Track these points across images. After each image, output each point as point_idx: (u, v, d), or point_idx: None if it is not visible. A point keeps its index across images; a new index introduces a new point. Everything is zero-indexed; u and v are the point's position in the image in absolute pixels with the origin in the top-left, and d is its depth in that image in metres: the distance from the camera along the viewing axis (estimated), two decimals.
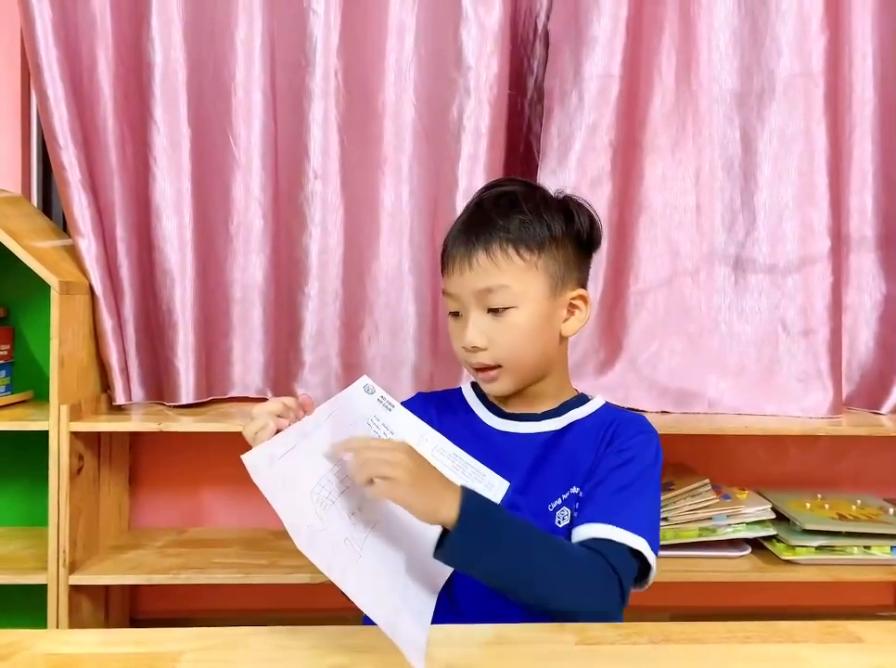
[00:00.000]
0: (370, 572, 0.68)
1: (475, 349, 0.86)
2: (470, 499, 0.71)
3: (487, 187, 0.95)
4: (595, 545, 0.79)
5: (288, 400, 0.77)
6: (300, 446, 0.73)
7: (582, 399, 0.95)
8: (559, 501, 0.87)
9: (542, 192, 0.92)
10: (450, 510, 0.69)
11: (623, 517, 0.81)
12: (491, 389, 0.91)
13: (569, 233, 0.89)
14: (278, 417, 0.75)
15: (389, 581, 0.70)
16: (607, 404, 0.95)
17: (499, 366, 0.87)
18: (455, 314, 0.90)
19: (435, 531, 0.70)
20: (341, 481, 0.74)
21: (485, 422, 0.93)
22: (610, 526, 0.80)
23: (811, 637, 0.71)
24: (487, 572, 0.73)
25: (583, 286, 0.92)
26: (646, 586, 0.84)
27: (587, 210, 0.92)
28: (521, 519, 0.78)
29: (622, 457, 0.86)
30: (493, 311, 0.86)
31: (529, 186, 0.94)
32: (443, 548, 0.69)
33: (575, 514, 0.86)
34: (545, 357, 0.90)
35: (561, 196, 0.93)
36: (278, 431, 0.74)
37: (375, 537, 0.71)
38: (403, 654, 0.60)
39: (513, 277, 0.85)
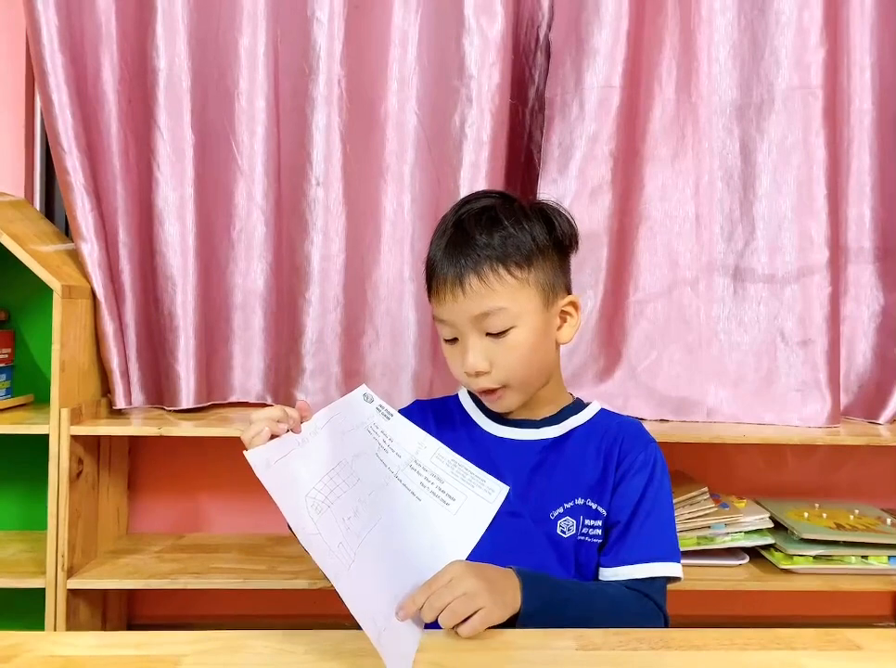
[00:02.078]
0: (362, 578, 0.68)
1: (478, 374, 0.85)
2: (529, 585, 0.74)
3: (462, 203, 0.91)
4: (639, 585, 0.84)
5: (291, 410, 0.77)
6: (295, 452, 0.74)
7: (579, 405, 0.95)
8: (561, 510, 0.88)
9: (518, 202, 0.90)
10: (516, 599, 0.73)
11: (659, 550, 0.85)
12: (497, 407, 0.90)
13: (551, 240, 0.88)
14: (277, 422, 0.75)
15: (381, 587, 0.70)
16: (603, 410, 0.96)
17: (504, 387, 0.87)
18: (451, 341, 0.88)
19: (453, 554, 0.75)
20: (338, 486, 0.74)
21: (484, 429, 0.94)
22: (650, 564, 0.84)
23: (810, 645, 0.71)
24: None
25: (570, 291, 0.92)
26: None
27: (563, 213, 0.91)
28: (572, 582, 0.83)
29: (639, 484, 0.88)
30: (492, 334, 0.85)
31: (504, 197, 0.91)
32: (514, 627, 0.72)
33: (586, 529, 0.88)
34: (546, 369, 0.91)
35: (536, 204, 0.92)
36: (273, 437, 0.74)
37: (369, 543, 0.72)
38: (385, 664, 0.61)
39: (508, 298, 0.84)
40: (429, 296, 0.90)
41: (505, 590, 0.73)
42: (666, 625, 0.84)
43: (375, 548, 0.72)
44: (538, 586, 0.76)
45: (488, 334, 0.85)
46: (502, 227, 0.85)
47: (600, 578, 0.87)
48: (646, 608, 0.83)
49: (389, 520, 0.76)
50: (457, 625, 0.69)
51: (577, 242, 0.93)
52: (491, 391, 0.87)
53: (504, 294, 0.84)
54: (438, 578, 0.71)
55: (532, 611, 0.73)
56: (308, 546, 0.68)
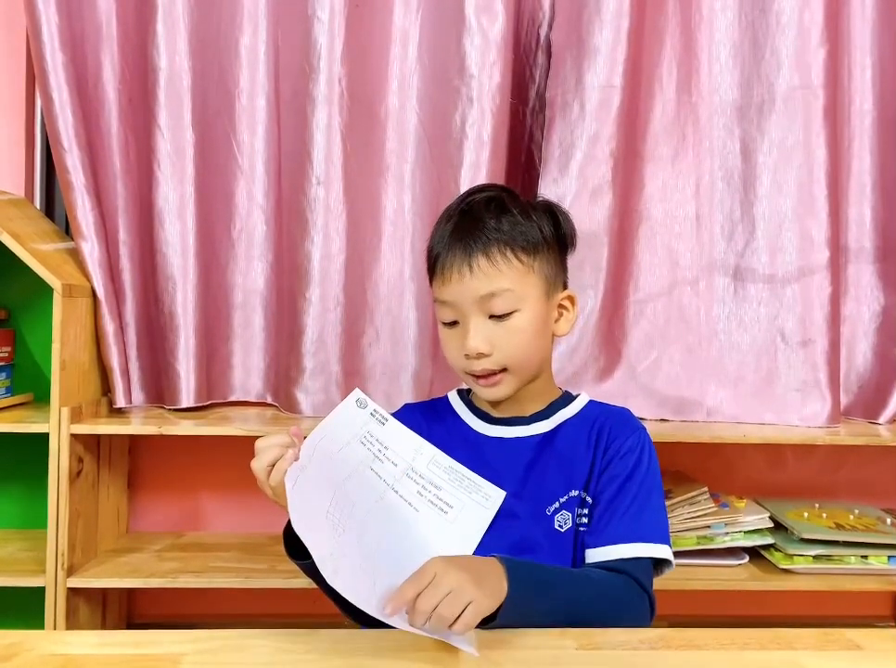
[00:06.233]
0: (383, 595, 0.68)
1: (480, 355, 0.85)
2: (513, 570, 0.72)
3: (467, 194, 0.93)
4: (622, 565, 0.82)
5: (290, 437, 0.76)
6: (301, 480, 0.73)
7: (567, 398, 0.95)
8: (557, 504, 0.88)
9: (522, 197, 0.93)
10: (503, 586, 0.70)
11: (643, 530, 0.83)
12: (492, 393, 0.89)
13: (556, 235, 0.91)
14: (287, 448, 0.74)
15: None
16: (592, 401, 0.96)
17: (503, 371, 0.87)
18: (451, 324, 0.88)
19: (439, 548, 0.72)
20: (345, 508, 0.74)
21: (474, 429, 0.93)
22: (633, 545, 0.83)
23: (810, 644, 0.71)
24: (534, 624, 0.73)
25: (567, 287, 0.95)
26: (660, 576, 0.87)
27: (566, 212, 0.94)
28: (556, 567, 0.81)
29: (625, 466, 0.87)
30: (495, 316, 0.85)
31: (508, 191, 0.94)
32: (499, 618, 0.70)
33: (579, 519, 0.87)
34: (543, 359, 0.91)
35: (541, 201, 0.95)
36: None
37: (382, 560, 0.72)
38: (459, 648, 0.63)
39: (514, 281, 0.85)
40: (432, 280, 0.91)
41: (490, 577, 0.71)
42: (652, 607, 0.82)
43: (387, 564, 0.71)
44: (522, 571, 0.74)
45: (491, 317, 0.86)
46: (511, 214, 0.87)
47: (586, 559, 0.85)
48: (632, 590, 0.80)
49: (389, 539, 0.75)
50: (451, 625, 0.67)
51: (576, 242, 0.96)
52: (489, 375, 0.87)
53: (510, 276, 0.85)
54: (421, 576, 0.67)
55: (517, 597, 0.71)
56: (334, 574, 0.66)
